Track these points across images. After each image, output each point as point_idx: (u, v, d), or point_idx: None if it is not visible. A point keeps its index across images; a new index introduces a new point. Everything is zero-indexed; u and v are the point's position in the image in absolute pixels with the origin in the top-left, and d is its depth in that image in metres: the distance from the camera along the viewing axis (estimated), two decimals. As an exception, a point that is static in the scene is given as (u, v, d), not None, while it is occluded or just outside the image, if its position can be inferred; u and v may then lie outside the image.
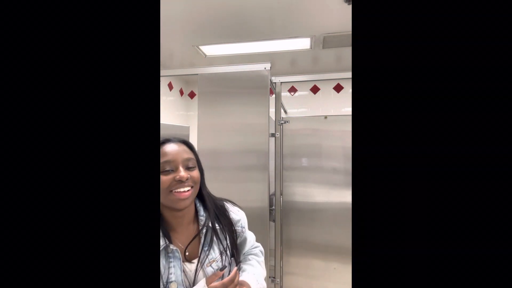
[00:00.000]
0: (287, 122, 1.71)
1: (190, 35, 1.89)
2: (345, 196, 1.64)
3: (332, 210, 1.67)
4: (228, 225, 0.79)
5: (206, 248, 0.72)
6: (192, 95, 3.25)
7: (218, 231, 0.75)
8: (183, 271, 0.69)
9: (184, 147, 0.73)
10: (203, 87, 1.51)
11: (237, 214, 0.83)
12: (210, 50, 2.16)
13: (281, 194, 1.70)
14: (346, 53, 2.23)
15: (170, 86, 2.93)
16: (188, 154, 0.73)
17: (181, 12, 1.59)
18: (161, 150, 0.70)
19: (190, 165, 0.72)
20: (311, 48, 2.09)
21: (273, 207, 1.63)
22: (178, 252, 0.69)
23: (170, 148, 0.71)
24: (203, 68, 1.53)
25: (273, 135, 1.61)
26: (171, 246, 0.69)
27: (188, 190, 0.69)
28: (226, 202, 0.85)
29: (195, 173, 0.72)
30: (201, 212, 0.76)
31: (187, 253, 0.71)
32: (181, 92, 3.15)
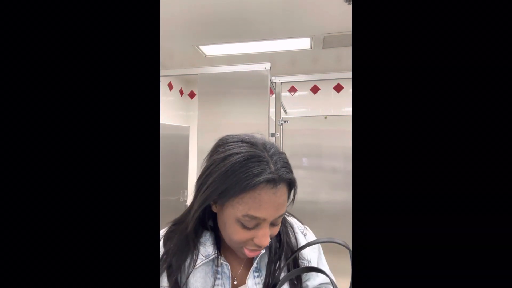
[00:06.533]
0: (287, 122, 1.71)
1: (190, 35, 1.89)
2: (345, 196, 1.64)
3: (332, 210, 1.67)
4: (288, 250, 0.59)
5: (257, 274, 0.57)
6: (192, 95, 3.25)
7: (278, 253, 0.59)
8: None
9: (286, 192, 0.51)
10: (203, 87, 1.51)
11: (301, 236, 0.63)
12: (210, 50, 2.16)
13: (281, 194, 1.69)
14: (346, 53, 2.23)
15: (170, 86, 2.93)
16: (286, 204, 0.51)
17: (181, 12, 1.59)
18: (258, 191, 0.47)
19: (278, 220, 0.52)
20: (311, 48, 2.09)
21: (273, 207, 1.62)
22: (229, 269, 0.56)
23: (270, 197, 0.47)
24: (203, 68, 1.52)
25: (273, 135, 1.61)
26: (221, 260, 0.56)
27: (259, 250, 0.53)
28: (292, 217, 0.65)
29: (275, 230, 0.52)
30: None
31: (235, 282, 0.57)
32: (181, 92, 3.15)
